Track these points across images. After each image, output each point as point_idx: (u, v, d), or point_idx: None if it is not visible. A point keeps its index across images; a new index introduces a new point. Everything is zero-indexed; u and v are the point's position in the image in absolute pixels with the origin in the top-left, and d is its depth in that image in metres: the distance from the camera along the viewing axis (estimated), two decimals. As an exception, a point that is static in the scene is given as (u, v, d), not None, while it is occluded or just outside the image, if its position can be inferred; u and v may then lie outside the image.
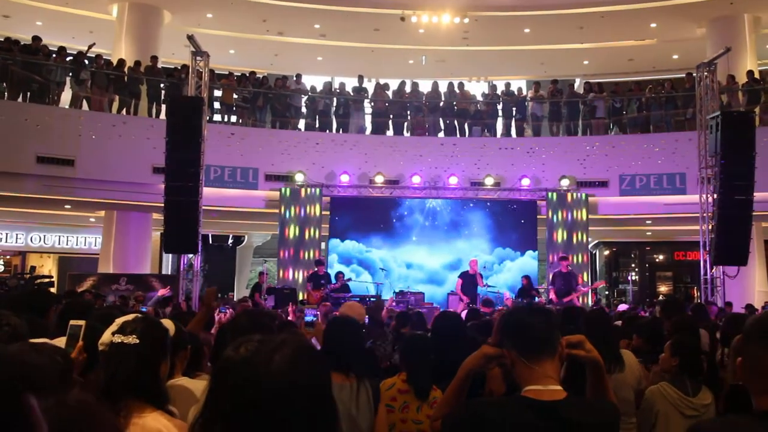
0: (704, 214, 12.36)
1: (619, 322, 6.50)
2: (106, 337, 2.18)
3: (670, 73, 18.31)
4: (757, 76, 15.57)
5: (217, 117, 15.74)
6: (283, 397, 1.21)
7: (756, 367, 1.56)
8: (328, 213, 15.27)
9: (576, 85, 19.19)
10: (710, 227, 11.98)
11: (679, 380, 3.56)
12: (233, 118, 15.99)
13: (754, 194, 11.39)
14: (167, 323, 2.72)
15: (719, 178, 11.46)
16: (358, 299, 10.81)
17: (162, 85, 15.20)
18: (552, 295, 12.55)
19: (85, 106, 14.31)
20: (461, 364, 2.24)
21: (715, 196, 11.67)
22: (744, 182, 11.25)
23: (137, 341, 2.10)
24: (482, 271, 13.59)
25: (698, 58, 13.75)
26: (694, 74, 13.46)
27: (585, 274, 15.18)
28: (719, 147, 11.35)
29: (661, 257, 22.19)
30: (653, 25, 17.20)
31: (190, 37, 11.87)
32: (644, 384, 3.99)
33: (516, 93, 16.71)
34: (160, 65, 15.62)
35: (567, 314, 5.23)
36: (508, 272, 15.09)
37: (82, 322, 3.00)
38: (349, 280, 13.82)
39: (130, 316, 2.29)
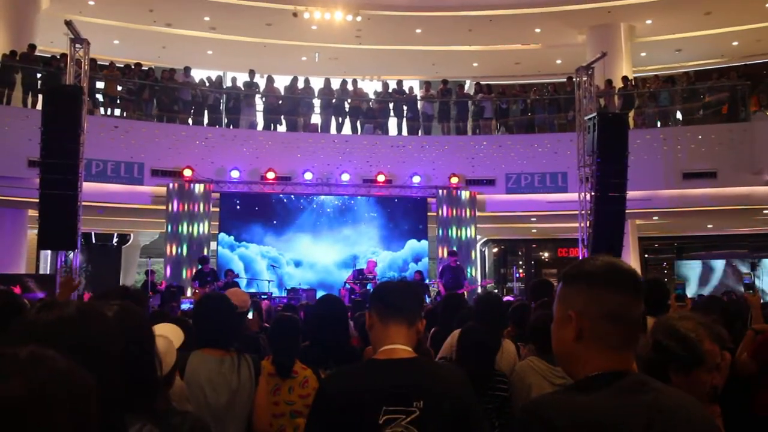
0: (583, 212, 12.95)
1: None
2: None
3: (554, 77, 19.12)
4: (631, 81, 16.55)
5: (100, 110, 15.08)
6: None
7: (602, 313, 1.44)
8: (217, 209, 14.95)
9: (466, 86, 19.71)
10: (588, 224, 12.57)
11: (544, 353, 3.72)
12: (117, 112, 15.38)
13: (628, 192, 12.07)
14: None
15: (596, 176, 12.04)
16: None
17: (39, 75, 14.41)
18: (441, 288, 12.80)
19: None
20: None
21: (593, 193, 12.26)
22: (618, 180, 11.88)
23: None
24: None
25: (579, 63, 14.41)
26: (574, 78, 14.11)
27: (474, 270, 15.63)
28: (596, 146, 11.93)
29: (546, 254, 23.16)
30: (538, 30, 17.92)
31: (68, 23, 11.28)
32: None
33: (407, 92, 16.97)
34: (38, 54, 14.80)
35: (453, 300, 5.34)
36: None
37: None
38: (237, 276, 13.61)
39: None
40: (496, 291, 21.06)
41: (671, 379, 2.03)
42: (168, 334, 2.33)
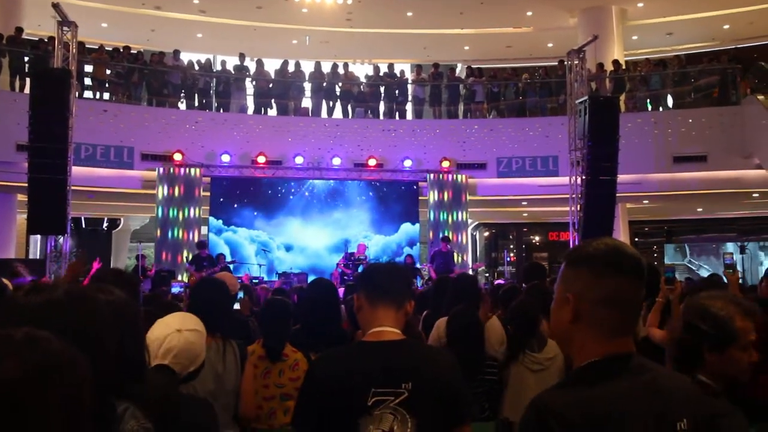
0: (573, 195, 12.99)
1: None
2: None
3: (545, 60, 19.07)
4: (623, 65, 16.53)
5: (89, 94, 14.95)
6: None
7: (612, 300, 1.41)
8: (208, 194, 14.90)
9: (458, 70, 19.64)
10: (579, 207, 12.61)
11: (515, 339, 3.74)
12: (106, 96, 15.25)
13: (619, 176, 12.11)
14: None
15: (587, 159, 12.08)
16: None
17: (26, 59, 14.25)
18: (431, 273, 12.82)
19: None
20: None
21: (583, 177, 12.29)
22: (609, 164, 11.93)
23: None
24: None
25: (571, 47, 14.38)
26: (566, 62, 14.08)
27: (465, 255, 15.65)
28: (587, 130, 11.96)
29: (537, 238, 23.21)
30: (529, 13, 17.86)
31: (56, 5, 11.16)
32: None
33: (399, 75, 16.90)
34: (25, 37, 14.62)
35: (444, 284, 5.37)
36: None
37: None
38: (233, 262, 13.60)
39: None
40: (487, 275, 21.15)
41: (706, 359, 2.04)
42: (197, 327, 2.30)
